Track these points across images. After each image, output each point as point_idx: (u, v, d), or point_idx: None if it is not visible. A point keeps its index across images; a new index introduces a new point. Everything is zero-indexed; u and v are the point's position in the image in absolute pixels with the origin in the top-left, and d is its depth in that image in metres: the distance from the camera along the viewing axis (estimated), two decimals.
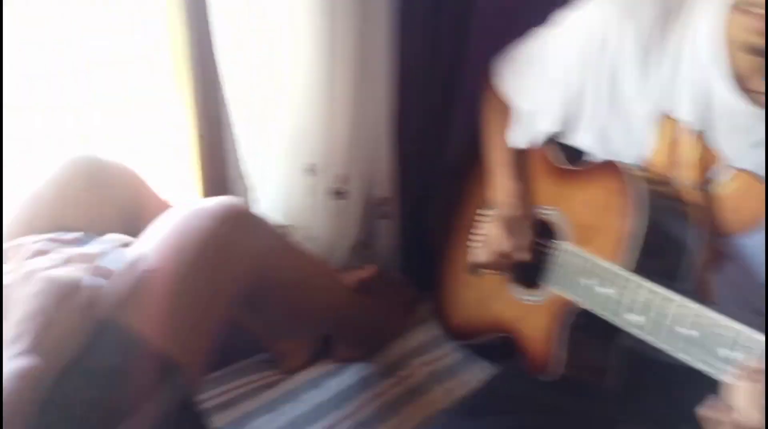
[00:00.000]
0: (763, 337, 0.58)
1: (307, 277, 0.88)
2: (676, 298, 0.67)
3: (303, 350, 1.06)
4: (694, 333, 0.64)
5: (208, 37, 0.93)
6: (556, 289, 0.86)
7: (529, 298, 0.91)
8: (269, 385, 0.99)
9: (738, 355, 0.60)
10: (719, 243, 0.80)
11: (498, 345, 1.03)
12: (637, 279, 0.72)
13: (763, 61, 0.65)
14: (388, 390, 1.00)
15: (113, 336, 0.59)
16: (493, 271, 0.96)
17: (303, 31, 0.92)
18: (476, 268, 0.98)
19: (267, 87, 0.97)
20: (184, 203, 0.71)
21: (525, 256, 0.90)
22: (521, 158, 0.98)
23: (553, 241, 0.88)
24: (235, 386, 0.97)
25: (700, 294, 0.81)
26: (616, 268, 0.75)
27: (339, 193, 1.10)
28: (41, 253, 0.69)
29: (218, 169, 1.09)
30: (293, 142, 1.01)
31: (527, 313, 0.91)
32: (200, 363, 0.66)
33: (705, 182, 0.78)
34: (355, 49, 0.98)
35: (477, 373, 1.07)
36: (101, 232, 0.82)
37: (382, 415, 0.95)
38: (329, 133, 1.02)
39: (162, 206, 0.93)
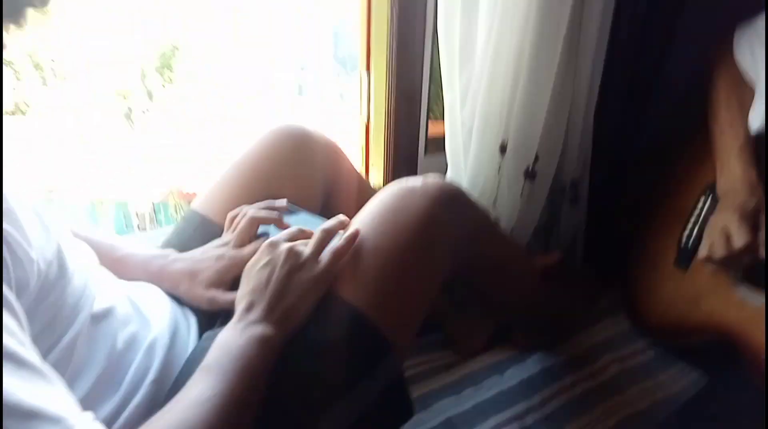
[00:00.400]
0: None
1: (505, 261, 0.84)
2: None
3: (481, 334, 1.03)
4: None
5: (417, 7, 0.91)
6: None
7: (762, 301, 0.79)
8: (448, 366, 0.97)
9: None
10: None
11: (703, 347, 0.92)
12: None
13: None
14: (578, 384, 0.94)
15: (335, 312, 0.60)
16: (726, 268, 0.82)
17: (514, 3, 0.87)
18: (709, 263, 0.83)
19: (475, 59, 0.94)
20: (396, 183, 0.71)
21: (762, 253, 0.76)
22: (757, 142, 0.85)
23: None
24: (416, 363, 0.96)
25: None
26: None
27: (529, 174, 1.04)
28: (264, 221, 0.73)
29: (404, 149, 1.09)
30: (488, 118, 0.97)
31: (758, 317, 0.79)
32: (409, 342, 0.65)
33: None
34: (567, 24, 0.91)
35: (675, 376, 0.96)
36: (305, 200, 0.85)
37: (572, 410, 0.88)
38: (525, 110, 0.97)
39: (357, 179, 0.95)
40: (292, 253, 0.61)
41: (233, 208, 0.76)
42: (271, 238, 0.63)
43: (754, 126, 0.85)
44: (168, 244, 0.77)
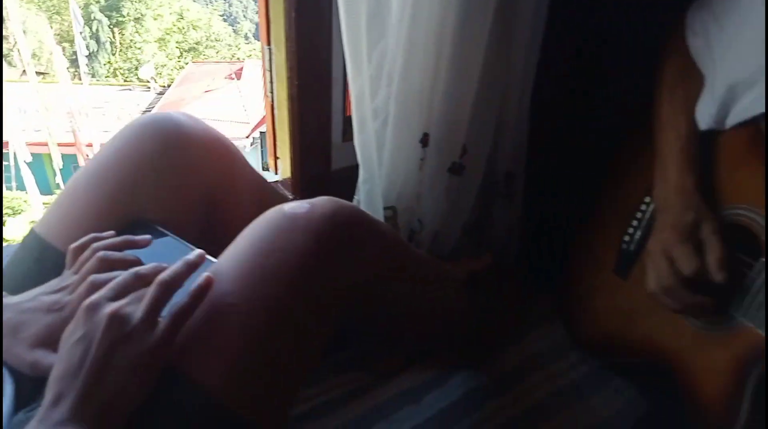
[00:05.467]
0: None
1: (419, 289, 0.71)
2: None
3: (399, 353, 0.91)
4: None
5: None
6: (751, 322, 0.63)
7: (707, 326, 0.69)
8: (355, 394, 0.83)
9: None
10: None
11: (638, 367, 0.83)
12: None
13: None
14: (501, 411, 0.83)
15: (177, 396, 0.45)
16: (676, 303, 0.68)
17: None
18: (664, 297, 0.69)
19: (386, 39, 0.79)
20: (275, 210, 0.55)
21: (718, 277, 0.63)
22: (709, 142, 0.74)
23: (753, 255, 0.64)
24: (314, 394, 0.81)
25: None
26: None
27: (455, 168, 0.91)
28: (117, 265, 0.55)
29: (314, 136, 0.94)
30: (407, 108, 0.82)
31: (701, 344, 0.69)
32: (284, 419, 0.51)
33: None
34: (498, 6, 0.77)
35: (610, 398, 0.87)
36: (181, 220, 0.68)
37: None
38: (449, 97, 0.82)
39: (255, 184, 0.79)
40: (115, 320, 0.44)
41: (81, 232, 0.58)
42: (90, 299, 0.46)
43: (701, 122, 0.73)
44: (5, 279, 0.60)
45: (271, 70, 0.92)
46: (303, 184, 0.97)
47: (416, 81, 0.81)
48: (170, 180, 0.67)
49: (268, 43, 0.91)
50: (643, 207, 0.83)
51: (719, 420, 0.63)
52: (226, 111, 8.72)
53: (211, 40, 17.64)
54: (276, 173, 1.05)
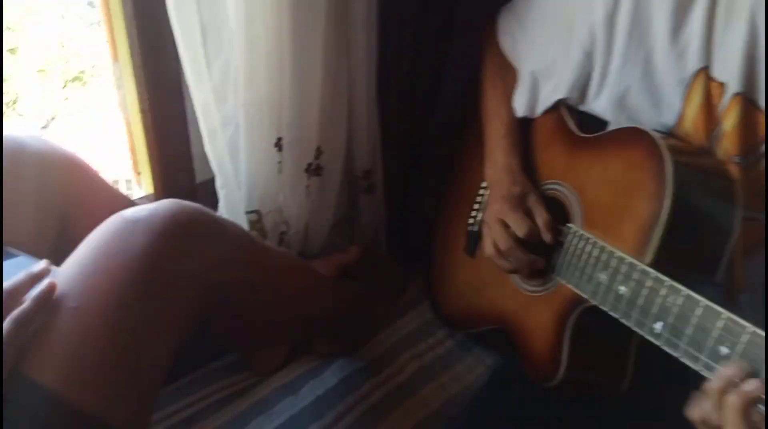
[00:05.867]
0: None
1: (276, 280, 0.75)
2: (702, 301, 0.54)
3: (277, 348, 0.94)
4: (729, 352, 0.52)
5: None
6: (565, 280, 0.73)
7: (533, 288, 0.78)
8: (238, 394, 0.87)
9: None
10: (755, 220, 0.67)
11: (491, 336, 0.92)
12: (659, 276, 0.59)
13: None
14: (374, 391, 0.89)
15: (23, 399, 0.46)
16: (511, 263, 0.77)
17: None
18: (501, 259, 0.78)
19: (226, 50, 0.81)
20: (116, 216, 0.57)
21: (547, 238, 0.74)
22: (527, 127, 0.84)
23: (564, 223, 0.75)
24: (198, 399, 0.84)
25: (730, 283, 0.69)
26: (634, 261, 0.61)
27: (313, 169, 0.95)
28: None
29: (172, 149, 0.94)
30: (257, 115, 0.86)
31: (528, 305, 0.79)
32: (140, 418, 0.53)
33: (747, 152, 0.64)
34: (329, 8, 0.82)
35: (472, 365, 0.96)
36: (34, 239, 0.68)
37: (367, 421, 0.84)
38: (297, 105, 0.87)
39: (110, 197, 0.79)
40: None
41: None
42: None
43: (518, 110, 0.83)
44: None
45: (121, 86, 0.92)
46: (167, 197, 0.97)
47: (263, 89, 0.84)
48: (18, 199, 0.66)
49: (115, 57, 0.90)
50: (482, 191, 0.92)
51: (547, 369, 0.73)
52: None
53: (98, 68, 16.50)
54: (141, 188, 1.04)
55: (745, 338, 0.50)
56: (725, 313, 0.52)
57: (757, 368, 0.49)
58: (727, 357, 0.51)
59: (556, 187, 0.78)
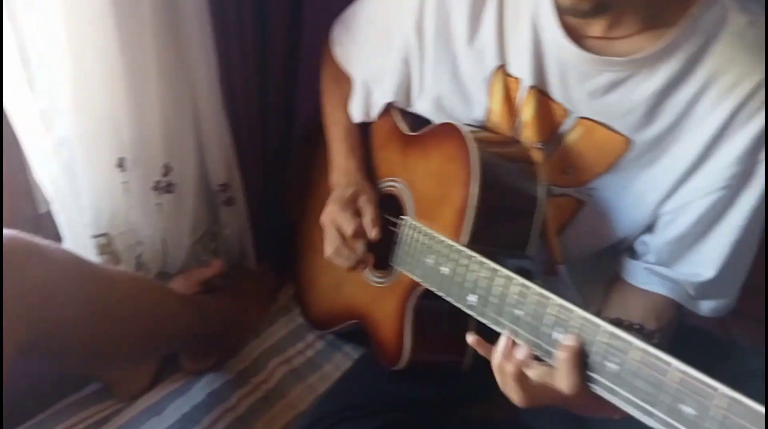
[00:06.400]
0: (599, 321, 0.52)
1: (120, 302, 0.74)
2: (510, 276, 0.60)
3: (141, 371, 0.92)
4: (523, 314, 0.58)
5: None
6: (402, 268, 0.78)
7: (379, 280, 0.83)
8: (101, 422, 0.84)
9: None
10: (567, 196, 0.75)
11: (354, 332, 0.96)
12: (469, 253, 0.65)
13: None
14: (242, 401, 0.90)
15: None
16: (346, 261, 0.82)
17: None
18: (338, 258, 0.83)
19: (53, 70, 0.79)
20: None
21: (372, 234, 0.80)
22: (365, 131, 0.89)
23: (400, 216, 0.80)
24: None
25: (547, 255, 0.78)
26: (451, 243, 0.67)
27: (163, 186, 0.95)
28: None
29: (8, 178, 0.89)
30: (94, 136, 0.84)
31: (377, 296, 0.83)
32: None
33: (548, 137, 0.73)
34: (156, 21, 0.83)
35: (340, 362, 0.99)
36: None
37: None
38: (137, 122, 0.86)
39: None
40: None
41: None
42: None
43: (354, 116, 0.88)
44: None
45: None
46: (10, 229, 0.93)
47: (98, 109, 0.83)
48: None
49: None
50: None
51: (393, 353, 0.77)
52: None
53: None
54: None
55: (533, 299, 0.57)
56: (518, 279, 0.59)
57: (538, 325, 0.56)
58: (519, 318, 0.58)
59: (393, 183, 0.84)
